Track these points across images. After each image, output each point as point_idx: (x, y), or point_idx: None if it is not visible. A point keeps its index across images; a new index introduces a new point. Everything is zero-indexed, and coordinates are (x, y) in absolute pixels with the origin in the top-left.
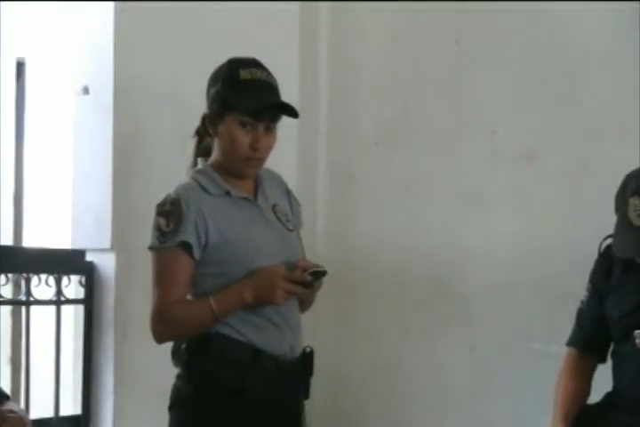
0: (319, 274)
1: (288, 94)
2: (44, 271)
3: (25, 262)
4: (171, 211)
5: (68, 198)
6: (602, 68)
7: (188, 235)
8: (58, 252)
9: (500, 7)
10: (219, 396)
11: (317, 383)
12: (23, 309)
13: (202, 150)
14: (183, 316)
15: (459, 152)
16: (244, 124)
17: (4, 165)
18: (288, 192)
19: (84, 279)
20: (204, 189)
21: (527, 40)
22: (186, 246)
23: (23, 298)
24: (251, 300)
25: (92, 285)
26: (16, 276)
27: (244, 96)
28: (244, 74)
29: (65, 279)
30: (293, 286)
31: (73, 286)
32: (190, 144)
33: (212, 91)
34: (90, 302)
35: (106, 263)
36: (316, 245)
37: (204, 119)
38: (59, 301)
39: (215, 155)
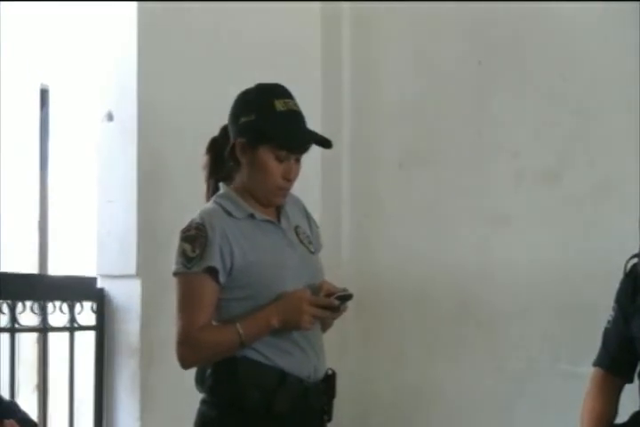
0: (346, 298)
1: (311, 117)
2: (57, 298)
3: (38, 290)
4: (196, 236)
5: (93, 225)
6: (624, 87)
7: (214, 260)
8: (69, 279)
9: (522, 27)
10: (244, 419)
11: (344, 405)
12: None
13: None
14: (210, 341)
15: (482, 173)
16: (278, 157)
17: (28, 193)
18: (307, 214)
19: (95, 306)
20: (228, 213)
21: (550, 60)
22: (212, 272)
23: (38, 326)
24: (277, 325)
25: (104, 311)
26: (31, 303)
27: (284, 130)
28: (279, 105)
29: (78, 306)
30: (320, 311)
31: (89, 313)
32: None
33: (244, 120)
34: (101, 329)
35: (129, 290)
36: (342, 266)
37: (234, 147)
38: (72, 327)
39: (241, 181)
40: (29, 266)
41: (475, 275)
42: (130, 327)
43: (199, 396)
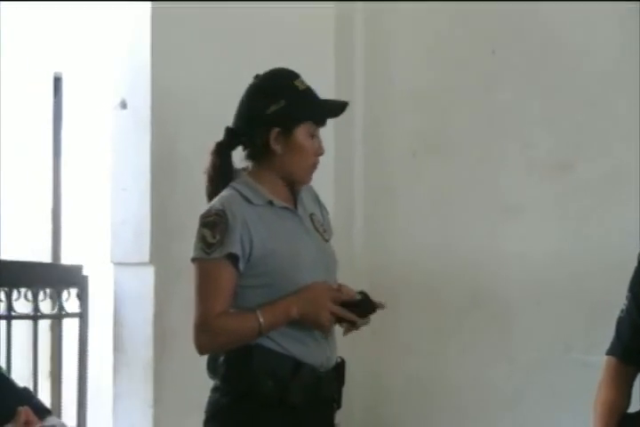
0: (367, 303)
1: None
2: (45, 286)
3: (28, 277)
4: (216, 222)
5: (106, 213)
6: (637, 77)
7: (235, 247)
8: (57, 267)
9: (536, 17)
10: (256, 408)
11: (356, 396)
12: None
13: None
14: (229, 328)
15: (494, 163)
16: (312, 134)
17: (41, 181)
18: (318, 200)
19: (82, 293)
20: (247, 200)
21: (563, 50)
22: (232, 258)
23: (31, 313)
24: (297, 316)
25: (87, 299)
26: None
27: (318, 105)
28: (299, 85)
29: (65, 293)
30: (340, 309)
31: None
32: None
33: (274, 108)
34: (85, 316)
35: (142, 278)
36: (354, 257)
37: (267, 138)
38: (59, 315)
39: (257, 168)
40: (43, 254)
41: (487, 265)
42: (143, 316)
43: (211, 384)
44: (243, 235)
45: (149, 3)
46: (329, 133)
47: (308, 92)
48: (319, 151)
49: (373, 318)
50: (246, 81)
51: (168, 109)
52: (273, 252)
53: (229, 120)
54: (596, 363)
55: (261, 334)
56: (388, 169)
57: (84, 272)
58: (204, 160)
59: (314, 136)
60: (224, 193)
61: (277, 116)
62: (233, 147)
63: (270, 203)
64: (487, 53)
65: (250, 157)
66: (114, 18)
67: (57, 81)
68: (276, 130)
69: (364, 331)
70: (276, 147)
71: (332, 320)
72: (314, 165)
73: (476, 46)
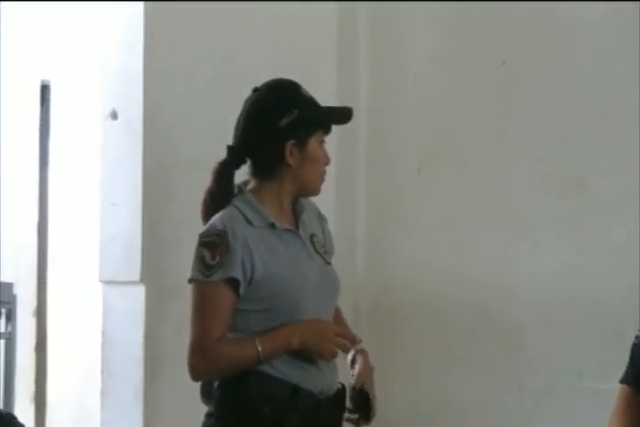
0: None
1: None
2: None
3: None
4: (216, 243)
5: (95, 228)
6: None
7: (236, 270)
8: None
9: (548, 27)
10: None
11: None
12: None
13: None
14: (225, 354)
15: (505, 179)
16: (321, 143)
17: (27, 194)
18: (321, 219)
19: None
20: (248, 221)
21: (576, 61)
22: (232, 282)
23: None
24: (298, 346)
25: (14, 318)
26: None
27: (328, 112)
28: (305, 93)
29: None
30: (342, 341)
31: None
32: None
33: (287, 120)
34: (13, 337)
35: (133, 297)
36: (357, 277)
37: (283, 152)
38: None
39: (259, 184)
40: (28, 270)
41: (496, 287)
42: (133, 336)
43: (205, 410)
44: (244, 257)
45: (142, 3)
46: (330, 146)
47: (314, 100)
48: (327, 160)
49: (376, 340)
50: (244, 92)
51: (161, 120)
52: (275, 275)
53: (227, 132)
54: (610, 391)
55: (260, 362)
56: (392, 184)
57: (14, 291)
58: (199, 174)
59: (322, 145)
60: (226, 212)
61: (291, 127)
62: (237, 166)
63: (272, 226)
64: (497, 64)
65: (257, 174)
66: (105, 23)
67: (44, 89)
68: (290, 142)
69: None
70: (291, 159)
71: (334, 353)
72: (323, 175)
73: (486, 56)
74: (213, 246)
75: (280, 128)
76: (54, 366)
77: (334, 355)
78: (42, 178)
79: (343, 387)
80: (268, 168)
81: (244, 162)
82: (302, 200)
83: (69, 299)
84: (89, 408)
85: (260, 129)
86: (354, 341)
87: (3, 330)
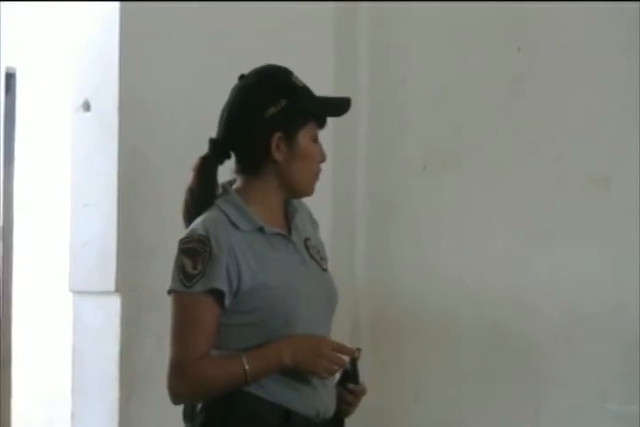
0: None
1: None
2: None
3: None
4: (198, 250)
5: (65, 232)
6: None
7: (220, 281)
8: None
9: (569, 11)
10: None
11: None
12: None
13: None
14: (209, 374)
15: (519, 178)
16: (314, 137)
17: None
18: (312, 221)
19: None
20: (234, 225)
21: (598, 48)
22: (216, 294)
23: None
24: (290, 363)
25: None
26: None
27: (321, 102)
28: (297, 82)
29: None
30: (340, 359)
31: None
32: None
33: (274, 110)
34: None
35: (107, 309)
36: (355, 285)
37: (267, 146)
38: None
39: (245, 184)
40: None
41: (508, 298)
42: (107, 352)
43: None
44: (229, 266)
45: None
46: (326, 142)
47: (307, 89)
48: (322, 157)
49: (377, 356)
50: (228, 83)
51: (138, 113)
52: (264, 286)
53: (210, 125)
54: (634, 414)
55: (247, 382)
56: (394, 184)
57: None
58: (181, 172)
59: (316, 140)
60: (208, 214)
61: (278, 118)
62: (220, 161)
63: (261, 229)
64: (512, 51)
65: (242, 170)
66: (77, 6)
67: (9, 77)
68: (277, 135)
69: (365, 373)
70: (278, 154)
71: (331, 370)
72: (317, 174)
73: (499, 43)
74: (195, 254)
75: (265, 119)
76: (19, 386)
77: (331, 372)
78: (6, 176)
79: None
80: (253, 164)
81: (228, 157)
82: (294, 201)
83: (36, 311)
84: None
85: (243, 120)
86: (353, 355)
87: None
